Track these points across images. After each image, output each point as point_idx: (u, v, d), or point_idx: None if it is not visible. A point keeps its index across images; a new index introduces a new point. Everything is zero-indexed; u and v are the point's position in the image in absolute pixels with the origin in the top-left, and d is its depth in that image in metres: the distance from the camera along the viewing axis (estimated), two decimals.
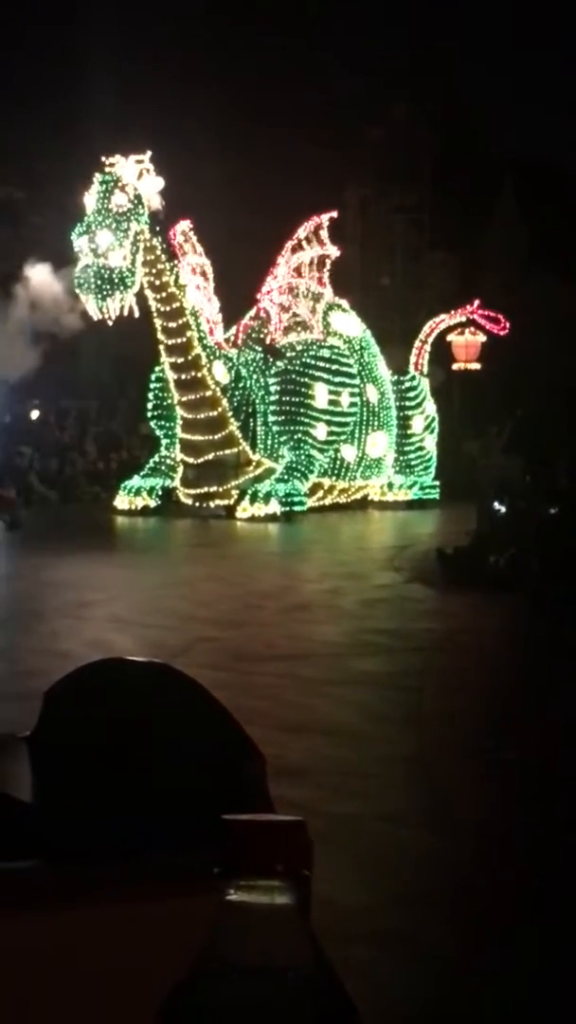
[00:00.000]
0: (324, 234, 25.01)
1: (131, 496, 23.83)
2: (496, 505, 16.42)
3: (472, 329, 28.56)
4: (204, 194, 31.52)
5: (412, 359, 26.91)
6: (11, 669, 9.07)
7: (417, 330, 28.22)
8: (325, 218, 25.01)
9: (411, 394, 26.68)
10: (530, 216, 34.90)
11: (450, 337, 28.79)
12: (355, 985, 0.78)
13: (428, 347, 27.15)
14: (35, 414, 30.97)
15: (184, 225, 22.56)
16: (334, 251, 25.10)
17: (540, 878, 5.39)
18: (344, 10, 37.06)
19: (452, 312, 27.55)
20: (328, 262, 25.12)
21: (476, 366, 30.82)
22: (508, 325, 27.58)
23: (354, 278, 34.35)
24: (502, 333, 27.95)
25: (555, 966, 4.47)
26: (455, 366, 30.10)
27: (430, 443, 27.01)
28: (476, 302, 27.65)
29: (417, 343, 27.13)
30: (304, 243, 24.93)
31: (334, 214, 25.33)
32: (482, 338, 29.36)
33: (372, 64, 36.52)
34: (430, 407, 27.09)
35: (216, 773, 1.81)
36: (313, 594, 14.22)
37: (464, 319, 27.68)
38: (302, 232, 24.90)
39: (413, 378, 26.88)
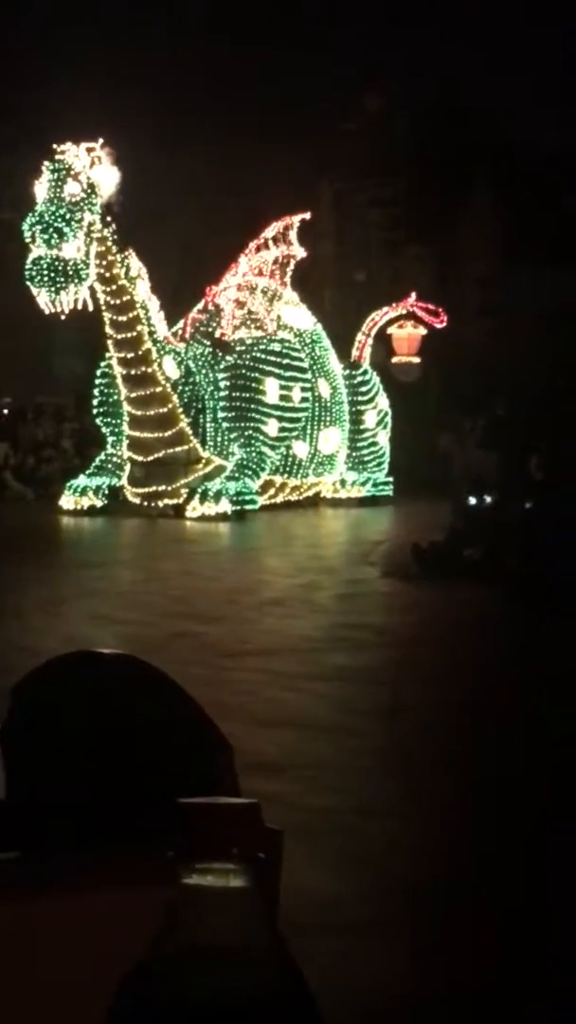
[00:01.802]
0: (292, 234, 24.61)
1: (77, 496, 23.17)
2: (472, 500, 16.45)
3: (413, 322, 28.38)
4: (174, 187, 31.52)
5: (355, 352, 26.50)
6: None
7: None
8: (296, 219, 24.65)
9: (363, 388, 26.33)
10: (505, 208, 34.93)
11: (391, 330, 28.51)
12: (329, 976, 0.80)
13: (371, 340, 26.90)
14: (6, 411, 30.86)
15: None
16: (300, 252, 24.70)
17: (513, 870, 5.42)
18: (319, 2, 37.01)
19: (392, 305, 27.31)
20: (292, 263, 24.73)
21: (416, 359, 30.67)
22: (445, 318, 27.47)
23: (329, 273, 34.37)
24: (440, 325, 27.82)
25: (526, 957, 4.50)
26: (395, 359, 29.90)
27: (383, 438, 26.67)
28: (413, 295, 27.48)
29: (360, 336, 26.76)
30: (271, 242, 24.54)
31: (307, 215, 24.91)
32: (423, 331, 29.19)
33: (346, 57, 36.39)
34: (383, 401, 26.73)
35: (185, 764, 1.82)
36: (288, 589, 14.22)
37: (404, 312, 27.51)
38: (270, 232, 24.51)
39: (365, 372, 26.54)
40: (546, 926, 4.78)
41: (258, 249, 24.49)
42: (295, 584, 14.63)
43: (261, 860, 0.78)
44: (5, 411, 30.76)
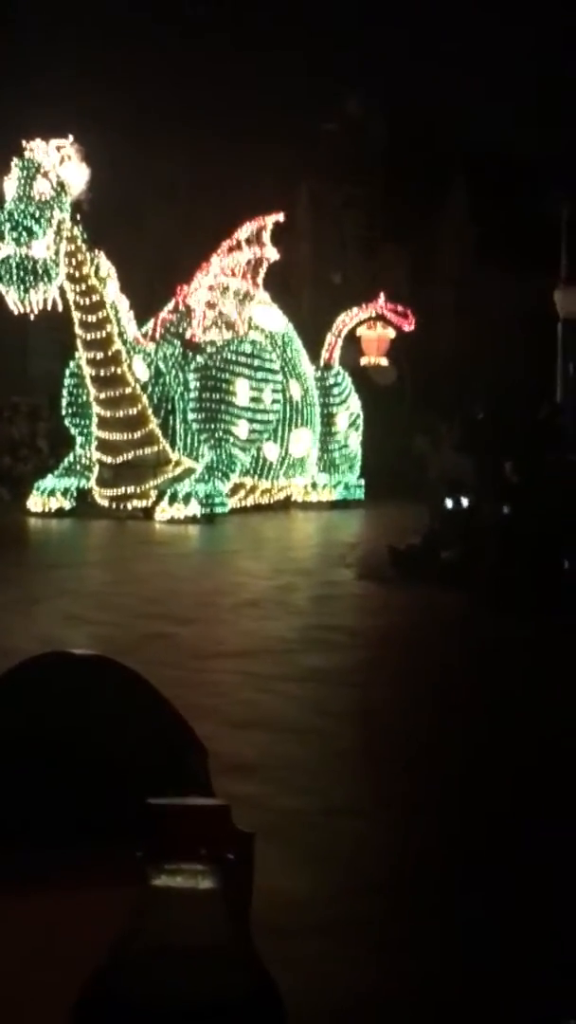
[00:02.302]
0: (266, 236, 24.36)
1: (44, 497, 22.82)
2: (448, 502, 16.46)
3: (383, 324, 28.30)
4: (150, 187, 31.46)
5: (324, 353, 26.21)
6: None
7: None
8: (270, 220, 24.37)
9: (335, 390, 26.05)
10: (482, 211, 35.04)
11: (360, 331, 28.32)
12: (300, 976, 0.81)
13: (340, 341, 26.73)
14: None
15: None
16: (273, 254, 24.36)
17: (479, 867, 5.45)
18: (298, 5, 37.01)
19: (362, 306, 27.20)
20: (265, 264, 24.46)
21: (384, 361, 30.58)
22: (413, 320, 27.39)
23: (306, 273, 34.37)
24: (408, 327, 27.71)
25: (497, 953, 4.52)
26: (363, 360, 29.79)
27: (355, 441, 26.39)
28: (382, 296, 27.38)
29: (330, 337, 26.40)
30: (244, 243, 24.28)
31: (280, 217, 24.59)
32: (392, 333, 29.08)
33: (325, 59, 36.43)
34: (355, 403, 26.44)
35: (159, 765, 1.83)
36: (264, 591, 14.22)
37: (374, 313, 27.40)
38: (243, 233, 24.19)
39: (337, 374, 26.25)
40: (513, 923, 4.81)
41: (230, 250, 24.20)
42: (271, 586, 14.64)
43: (231, 862, 0.79)
44: None
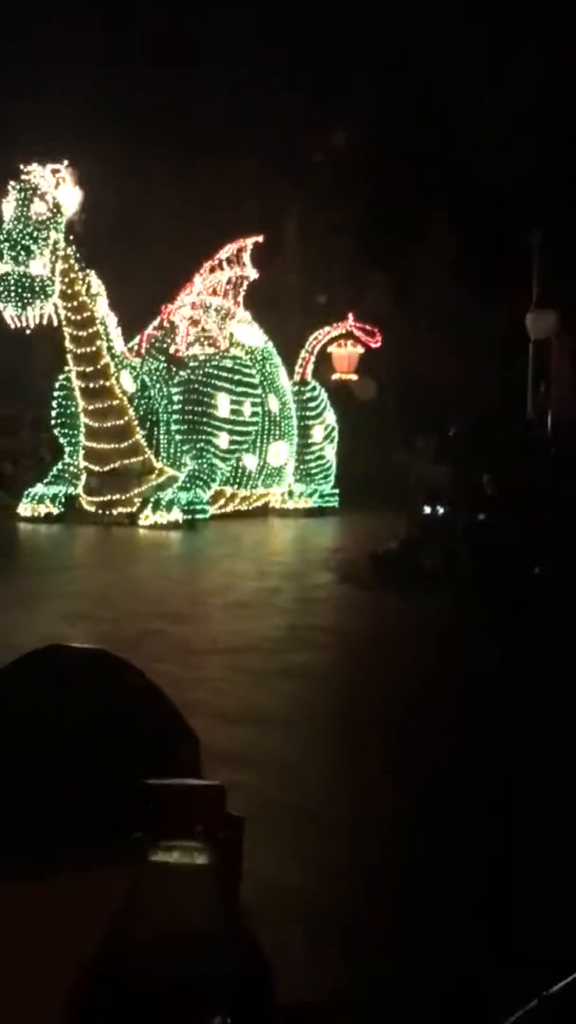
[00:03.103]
0: (246, 256, 24.41)
1: (34, 503, 22.76)
2: (427, 509, 16.48)
3: (352, 342, 28.37)
4: (144, 210, 31.46)
5: (298, 369, 26.22)
6: None
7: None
8: (249, 241, 24.37)
9: (312, 404, 26.05)
10: (460, 238, 35.15)
11: (331, 349, 28.43)
12: (284, 953, 0.79)
13: (313, 357, 26.75)
14: None
15: None
16: (253, 273, 24.36)
17: (458, 851, 5.44)
18: (290, 36, 37.05)
19: (333, 324, 27.26)
20: (245, 283, 24.47)
21: (354, 377, 30.67)
22: (380, 338, 27.47)
23: (294, 295, 34.42)
24: (375, 345, 27.80)
25: (478, 930, 4.51)
26: (334, 376, 29.86)
27: (330, 452, 26.37)
28: (351, 316, 27.46)
29: (303, 354, 26.41)
30: (224, 263, 24.34)
31: (259, 238, 24.58)
32: (360, 350, 29.19)
33: (316, 91, 36.50)
34: (330, 417, 26.43)
35: (153, 752, 1.81)
36: (251, 592, 14.21)
37: (344, 331, 27.48)
38: (224, 253, 24.21)
39: (314, 388, 26.27)
40: (486, 902, 4.80)
41: (212, 270, 24.25)
42: (258, 587, 14.63)
43: (223, 840, 0.78)
44: None
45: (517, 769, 6.85)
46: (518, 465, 16.45)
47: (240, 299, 24.46)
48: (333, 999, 3.92)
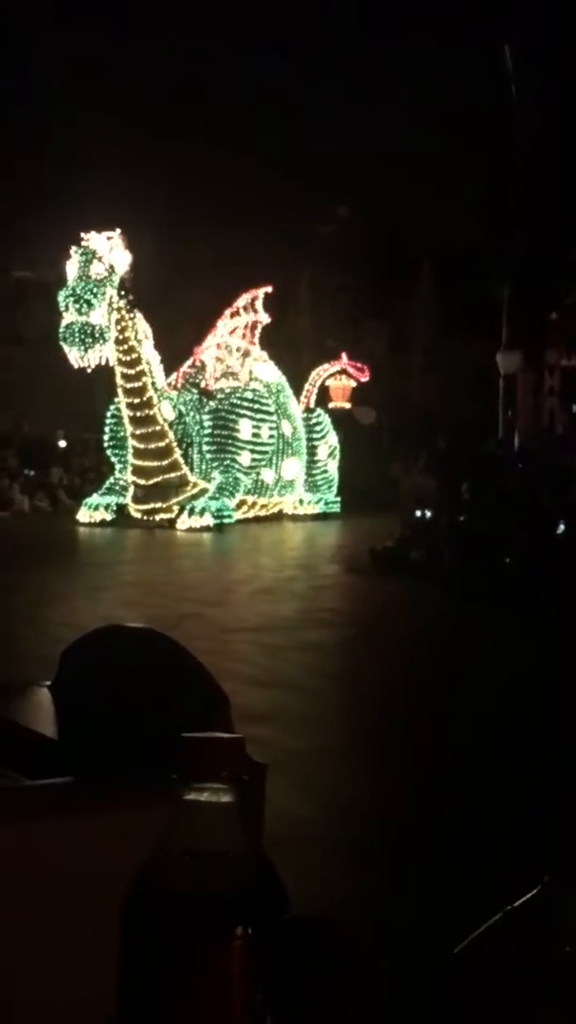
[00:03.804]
0: (259, 304, 24.40)
1: (91, 511, 22.80)
2: (417, 513, 16.46)
3: (346, 376, 28.62)
4: (183, 269, 31.63)
5: (303, 399, 26.17)
6: (40, 638, 9.02)
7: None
8: (261, 291, 24.40)
9: (317, 428, 26.07)
10: (443, 293, 35.19)
11: (328, 382, 28.62)
12: (297, 876, 0.79)
13: (315, 390, 26.82)
14: (63, 443, 30.89)
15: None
16: (265, 318, 24.38)
17: (446, 794, 5.42)
18: (290, 125, 37.23)
19: (330, 362, 27.40)
20: (259, 327, 24.45)
21: (347, 405, 30.98)
22: (369, 373, 27.74)
23: (306, 340, 34.50)
24: (364, 379, 28.08)
25: (458, 863, 4.48)
26: (331, 404, 30.04)
27: (332, 467, 26.39)
28: (344, 355, 27.66)
29: (307, 387, 26.38)
30: (241, 310, 24.38)
31: (269, 288, 24.54)
32: (353, 383, 29.53)
33: (323, 176, 36.69)
34: (333, 438, 26.44)
35: (193, 711, 1.81)
36: (273, 581, 14.20)
37: (338, 368, 27.67)
38: (240, 301, 24.30)
39: (319, 414, 26.28)
40: (475, 836, 4.77)
41: (232, 315, 24.42)
42: (278, 577, 14.61)
43: (246, 782, 0.78)
44: (62, 443, 30.82)
45: (494, 705, 6.84)
46: (490, 476, 16.45)
47: (256, 339, 24.57)
48: (342, 913, 3.91)
